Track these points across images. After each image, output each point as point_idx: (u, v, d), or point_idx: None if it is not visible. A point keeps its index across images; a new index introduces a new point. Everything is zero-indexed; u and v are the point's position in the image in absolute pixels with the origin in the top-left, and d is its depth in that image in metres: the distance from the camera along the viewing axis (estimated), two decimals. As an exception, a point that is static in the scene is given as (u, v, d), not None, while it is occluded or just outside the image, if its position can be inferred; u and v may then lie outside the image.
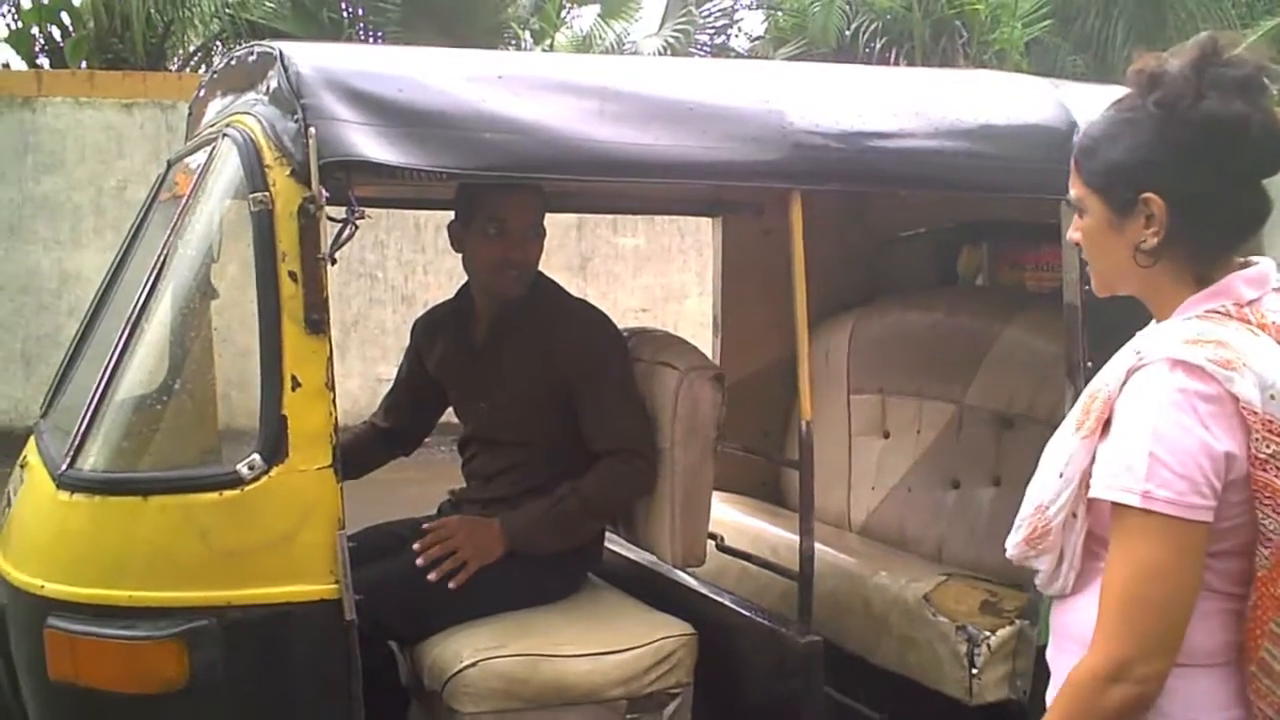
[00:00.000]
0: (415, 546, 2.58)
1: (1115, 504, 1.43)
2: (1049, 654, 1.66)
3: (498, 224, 2.67)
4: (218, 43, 12.17)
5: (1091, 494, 1.46)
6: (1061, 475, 1.53)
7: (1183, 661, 1.45)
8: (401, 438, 3.13)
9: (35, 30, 11.61)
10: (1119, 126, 1.53)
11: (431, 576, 2.53)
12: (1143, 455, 1.41)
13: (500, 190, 2.62)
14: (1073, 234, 1.62)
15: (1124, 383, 1.47)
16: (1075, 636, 1.56)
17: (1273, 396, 1.41)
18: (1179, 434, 1.40)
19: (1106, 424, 1.48)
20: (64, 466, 2.17)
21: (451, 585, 2.53)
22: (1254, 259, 1.55)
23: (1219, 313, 1.48)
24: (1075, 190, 1.59)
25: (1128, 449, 1.43)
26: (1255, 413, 1.40)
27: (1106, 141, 1.54)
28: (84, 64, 10.86)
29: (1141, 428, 1.42)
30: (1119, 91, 1.59)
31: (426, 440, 3.22)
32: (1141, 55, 1.56)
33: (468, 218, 2.72)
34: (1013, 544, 1.62)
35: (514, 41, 12.17)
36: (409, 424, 3.11)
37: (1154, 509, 1.39)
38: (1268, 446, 1.41)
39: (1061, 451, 1.54)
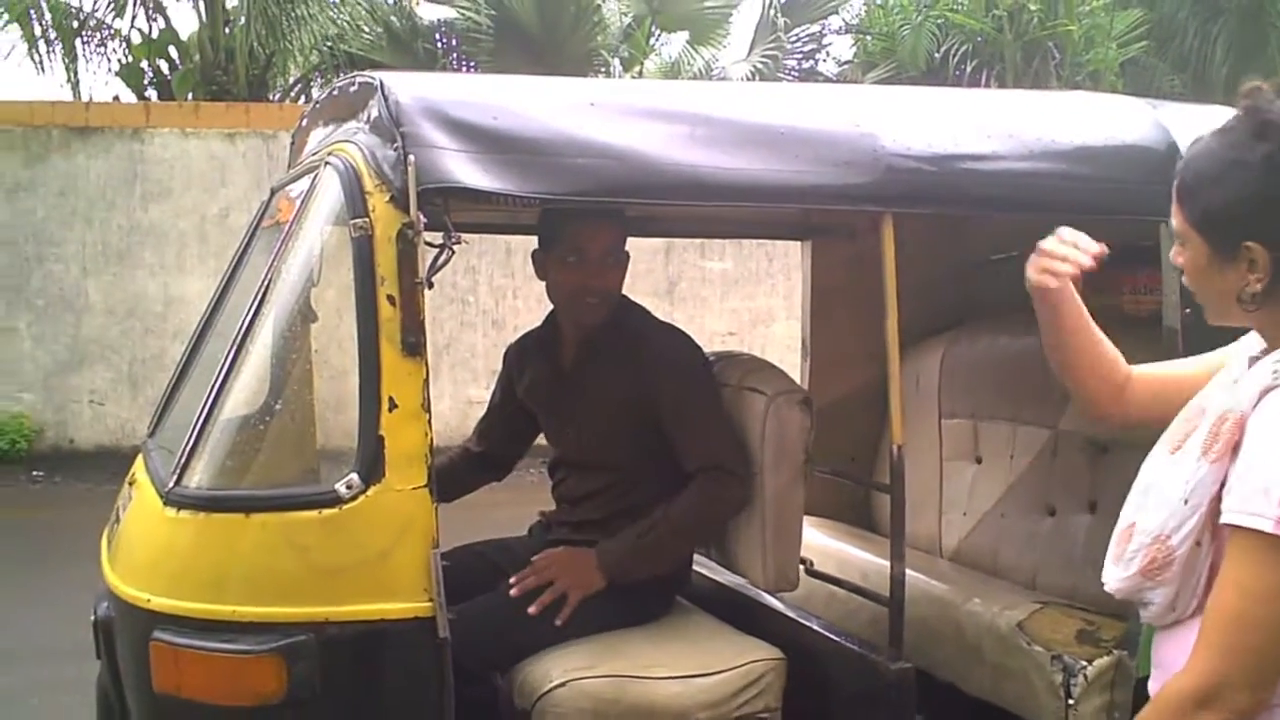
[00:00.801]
0: (512, 580, 2.61)
1: (1240, 527, 1.39)
2: (1150, 686, 1.61)
3: (577, 252, 2.70)
4: (316, 74, 12.52)
5: (1223, 519, 1.41)
6: (1187, 502, 1.47)
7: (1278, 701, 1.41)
8: (494, 462, 3.17)
9: (144, 64, 12.04)
10: (1224, 168, 1.49)
11: (532, 610, 2.55)
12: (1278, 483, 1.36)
13: (578, 219, 2.65)
14: (1175, 257, 1.58)
15: (1257, 403, 1.43)
16: (1176, 669, 1.52)
17: None
18: None
19: (1235, 448, 1.43)
20: (170, 484, 2.24)
21: (558, 622, 2.55)
22: None
23: None
24: (1177, 223, 1.55)
25: (1264, 473, 1.38)
26: None
27: (1210, 183, 1.50)
28: (190, 96, 11.24)
29: (1264, 454, 1.38)
30: (1219, 112, 1.55)
31: (518, 463, 3.26)
32: (1253, 84, 1.51)
33: (548, 246, 2.77)
34: (1120, 577, 1.56)
35: (603, 69, 12.30)
36: (502, 449, 3.16)
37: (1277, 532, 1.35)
38: None
39: (1182, 476, 1.49)
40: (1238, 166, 1.47)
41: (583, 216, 2.64)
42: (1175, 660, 1.52)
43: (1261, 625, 1.36)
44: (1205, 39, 12.27)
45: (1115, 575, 1.58)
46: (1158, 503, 1.52)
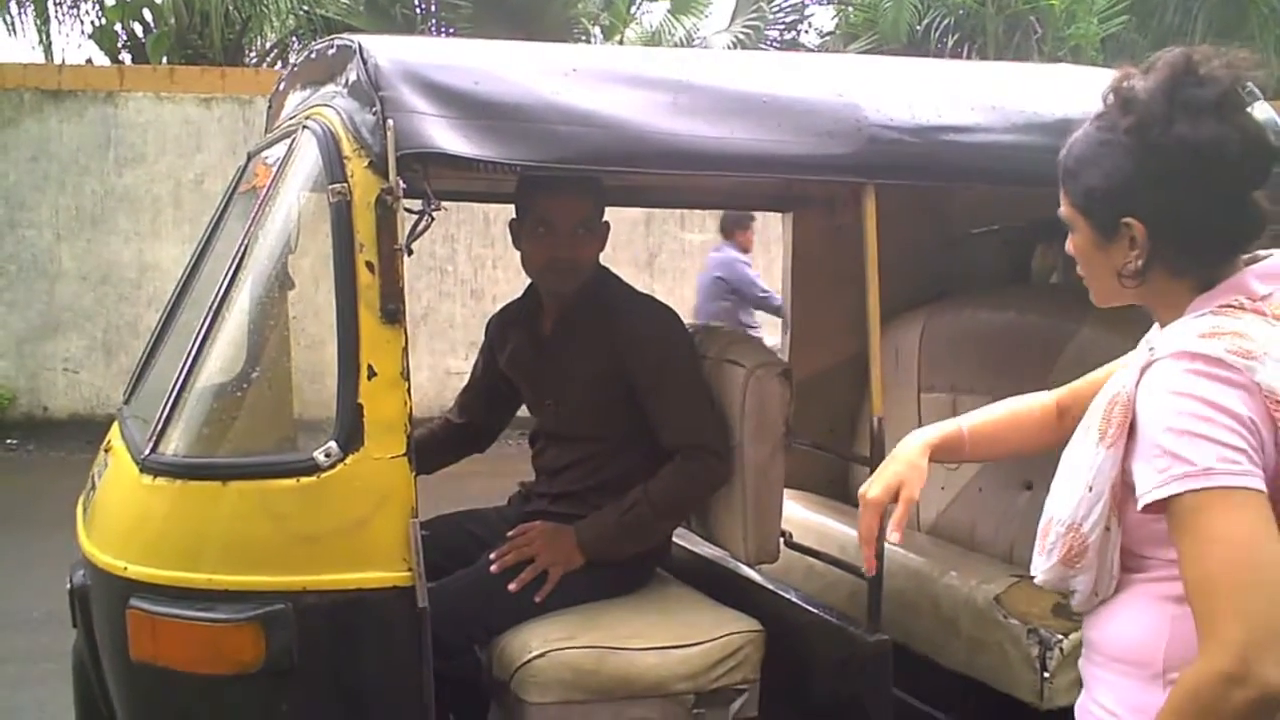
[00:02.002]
0: (492, 556, 2.61)
1: (1173, 499, 1.36)
2: (1080, 664, 1.63)
3: (546, 224, 2.69)
4: (293, 38, 12.39)
5: (1146, 500, 1.39)
6: (1091, 488, 1.48)
7: None
8: (476, 434, 3.15)
9: (118, 27, 11.89)
10: (1096, 149, 1.51)
11: (512, 587, 2.55)
12: (1185, 442, 1.35)
13: (548, 190, 2.63)
14: (1068, 246, 1.60)
15: (1139, 381, 1.43)
16: (1109, 650, 1.54)
17: None
18: (1212, 411, 1.35)
19: (1131, 430, 1.43)
20: (146, 451, 2.22)
21: (537, 599, 2.55)
22: (1263, 253, 1.51)
23: (1232, 306, 1.45)
24: (1064, 208, 1.57)
25: (1168, 442, 1.37)
26: (1277, 398, 1.36)
27: (1085, 165, 1.52)
28: (164, 60, 11.12)
29: (1173, 417, 1.37)
30: None
31: (500, 434, 3.25)
32: (1125, 66, 1.53)
33: (522, 217, 2.75)
34: (1045, 568, 1.58)
35: (584, 37, 12.23)
36: (483, 420, 3.14)
37: (1216, 485, 1.33)
38: None
39: (1086, 463, 1.50)
40: (1108, 145, 1.48)
41: (554, 187, 2.61)
42: (1108, 640, 1.54)
43: (1248, 581, 1.31)
44: (1186, 15, 12.28)
45: (1040, 566, 1.59)
46: (1069, 491, 1.53)
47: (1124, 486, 1.46)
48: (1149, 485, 1.39)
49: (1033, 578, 2.75)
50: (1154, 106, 1.45)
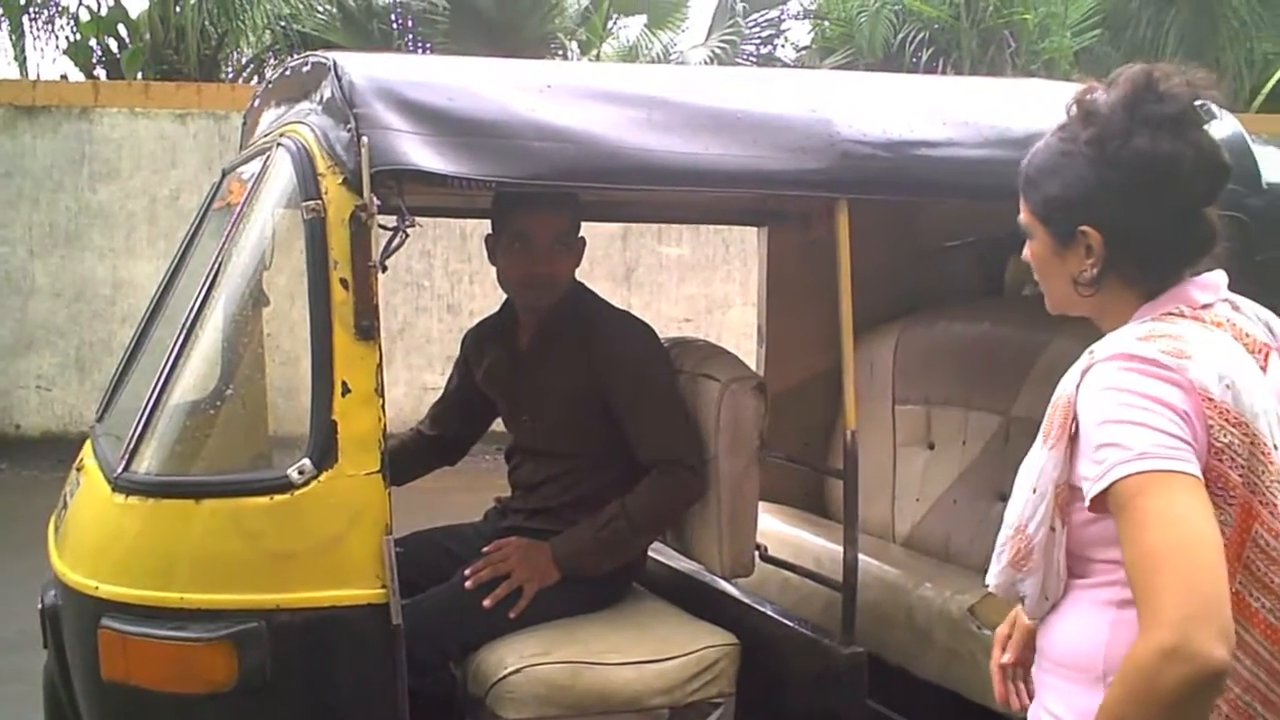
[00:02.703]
0: (467, 572, 2.60)
1: (1113, 486, 1.38)
2: (1034, 673, 1.65)
3: (521, 239, 2.69)
4: (269, 54, 12.36)
5: (1090, 494, 1.42)
6: (1035, 490, 1.52)
7: None
8: (448, 446, 3.15)
9: (93, 42, 11.84)
10: (1057, 159, 1.55)
11: (487, 602, 2.54)
12: (1122, 431, 1.39)
13: (524, 205, 2.64)
14: (1026, 253, 1.64)
15: (1079, 384, 1.47)
16: (1055, 655, 1.56)
17: (1229, 386, 1.41)
18: (1147, 402, 1.39)
19: (1075, 434, 1.47)
20: (119, 470, 2.21)
21: (512, 615, 2.54)
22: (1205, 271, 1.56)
23: (1172, 314, 1.50)
24: (1023, 217, 1.61)
25: (1106, 434, 1.41)
26: (1212, 400, 1.40)
27: (1046, 174, 1.56)
28: (140, 75, 11.06)
29: (1110, 411, 1.41)
30: None
31: (470, 449, 3.25)
32: (1088, 80, 1.57)
33: (497, 232, 2.75)
34: (995, 571, 1.60)
35: (560, 52, 12.24)
36: (456, 433, 3.14)
37: (1152, 468, 1.36)
38: (1224, 436, 1.41)
39: (1033, 466, 1.53)
40: (1069, 156, 1.53)
41: (529, 203, 2.62)
42: (1053, 645, 1.56)
43: (1183, 557, 1.32)
44: (1158, 29, 12.39)
45: (992, 571, 1.62)
46: (1016, 495, 1.57)
47: (1069, 489, 1.49)
48: (1092, 478, 1.42)
49: (1003, 588, 2.79)
50: (1114, 120, 1.50)
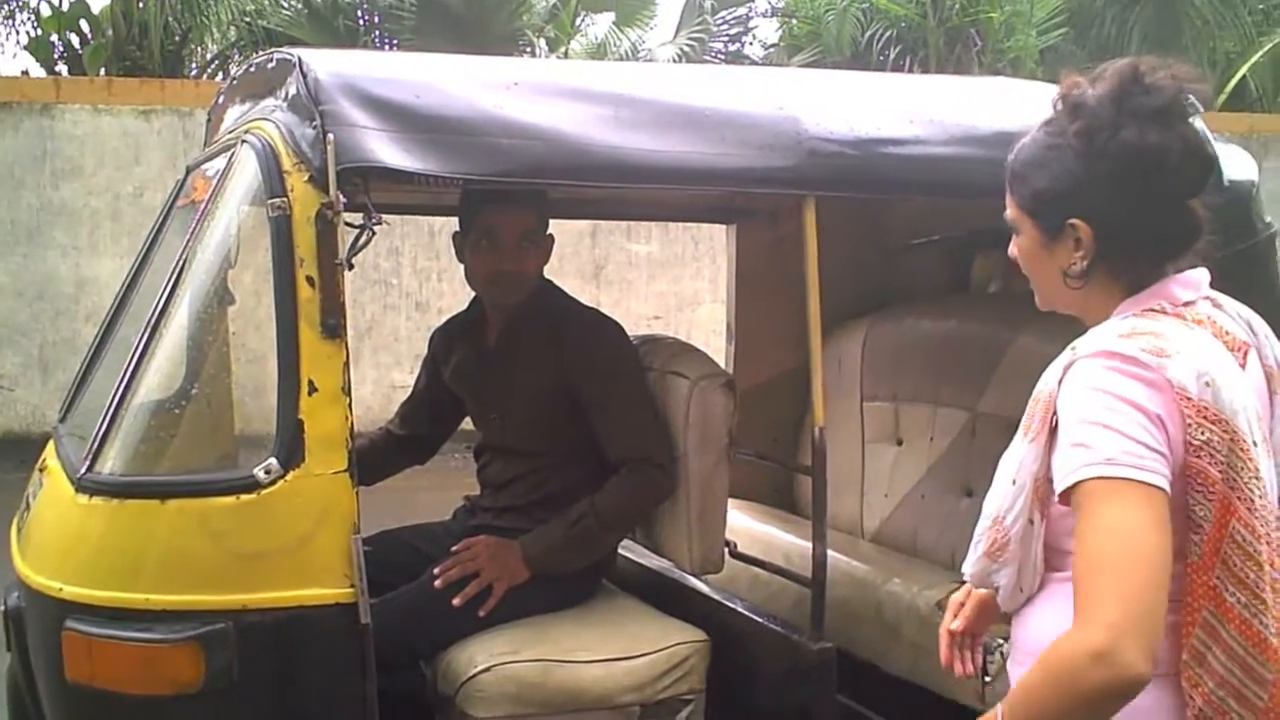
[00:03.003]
0: (436, 572, 2.59)
1: (1077, 486, 1.41)
2: (1009, 666, 1.66)
3: (489, 236, 2.69)
4: (234, 50, 12.26)
5: (1059, 488, 1.45)
6: (1015, 482, 1.54)
7: None
8: (417, 446, 3.13)
9: (54, 38, 11.70)
10: (1045, 152, 1.56)
11: (456, 601, 2.53)
12: (1094, 433, 1.41)
13: (491, 202, 2.63)
14: (1012, 249, 1.65)
15: (1061, 379, 1.49)
16: (1030, 647, 1.57)
17: (1208, 384, 1.43)
18: (1122, 405, 1.41)
19: (1055, 428, 1.49)
20: (83, 470, 2.19)
21: (481, 613, 2.54)
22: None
23: (1154, 310, 1.52)
24: (1010, 211, 1.62)
25: (1079, 433, 1.43)
26: (1190, 399, 1.42)
27: (1034, 167, 1.57)
28: (102, 71, 10.94)
29: (1087, 410, 1.43)
30: None
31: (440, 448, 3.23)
32: (1069, 75, 1.59)
33: (466, 229, 2.75)
34: (971, 561, 1.63)
35: (529, 49, 12.21)
36: (425, 432, 3.12)
37: (1116, 475, 1.38)
38: (1202, 433, 1.42)
39: (1013, 459, 1.56)
40: (1057, 149, 1.54)
41: (496, 200, 2.61)
42: (1029, 637, 1.58)
43: (1125, 566, 1.35)
44: (1122, 28, 12.49)
45: (968, 560, 1.64)
46: (995, 486, 1.59)
47: (1047, 482, 1.51)
48: (1062, 474, 1.45)
49: (974, 583, 2.81)
50: (1102, 112, 1.51)
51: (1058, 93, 1.57)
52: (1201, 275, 1.57)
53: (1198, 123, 1.54)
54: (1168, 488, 1.40)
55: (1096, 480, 1.39)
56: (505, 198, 2.59)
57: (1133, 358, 1.43)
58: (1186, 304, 1.53)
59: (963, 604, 1.81)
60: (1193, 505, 1.44)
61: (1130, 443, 1.39)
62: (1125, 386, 1.42)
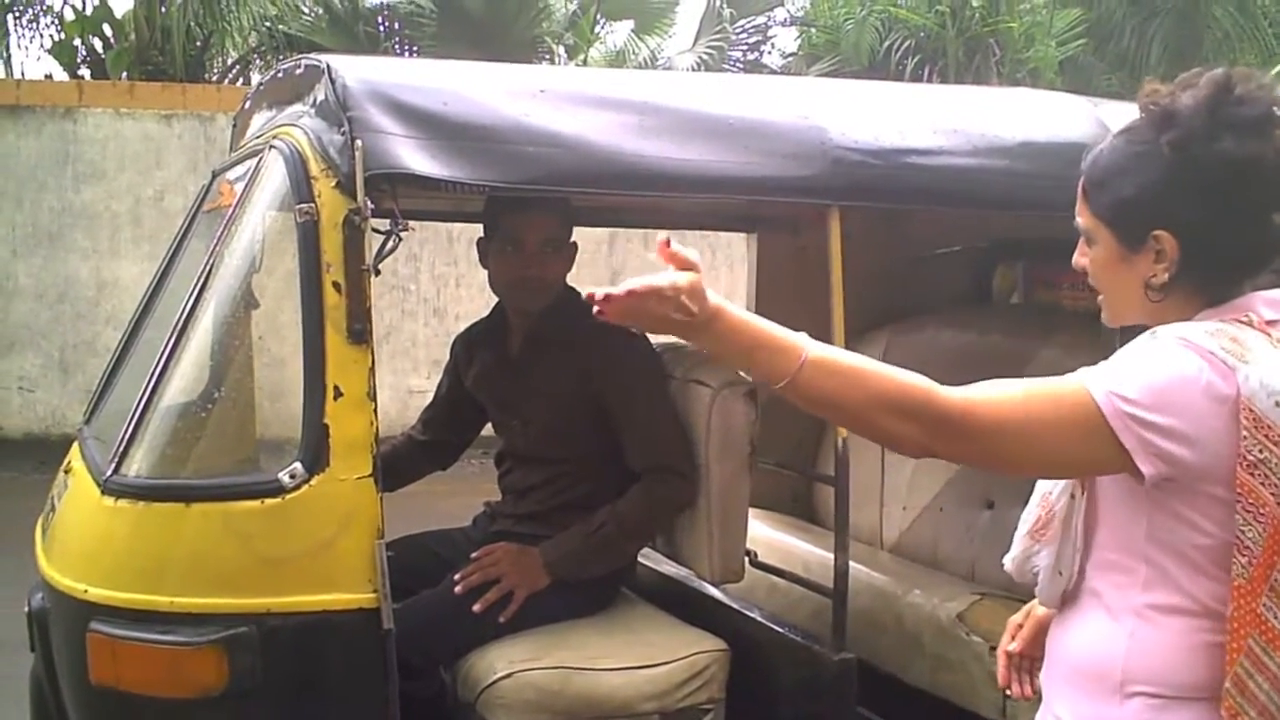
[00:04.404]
0: (456, 577, 2.60)
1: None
2: (1041, 677, 1.65)
3: (514, 242, 2.69)
4: (255, 56, 12.32)
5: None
6: None
7: (1162, 693, 1.45)
8: (439, 451, 3.14)
9: (77, 42, 11.78)
10: (1131, 160, 1.52)
11: (476, 608, 2.53)
12: (1123, 363, 1.42)
13: (516, 208, 2.64)
14: (1079, 260, 1.61)
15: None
16: (1069, 661, 1.56)
17: (1278, 404, 1.39)
18: (1172, 373, 1.40)
19: None
20: (109, 472, 2.20)
21: (501, 619, 2.54)
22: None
23: (1241, 321, 1.48)
24: (1083, 219, 1.58)
25: (1115, 359, 1.44)
26: (1253, 410, 1.39)
27: (1117, 174, 1.53)
28: (124, 75, 11.00)
29: (1135, 349, 1.44)
30: None
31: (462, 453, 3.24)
32: (1151, 83, 1.56)
33: (489, 235, 2.75)
34: (1014, 543, 1.63)
35: (548, 56, 12.24)
36: (447, 438, 3.13)
37: (1101, 405, 1.39)
38: (1260, 451, 1.39)
39: None
40: (1145, 157, 1.51)
41: (521, 206, 2.62)
42: (1067, 651, 1.57)
43: (1022, 420, 1.41)
44: (1142, 39, 12.48)
45: (1011, 550, 1.64)
46: None
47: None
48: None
49: (996, 595, 2.80)
50: (1196, 122, 1.48)
51: (1140, 101, 1.54)
52: None
53: None
54: (1147, 468, 1.39)
55: (1085, 388, 1.41)
56: (530, 204, 2.60)
57: (1210, 350, 1.40)
58: (1270, 323, 1.48)
59: (1020, 625, 1.80)
60: (1241, 525, 1.40)
61: (1149, 391, 1.39)
62: (1186, 360, 1.40)
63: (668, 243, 1.45)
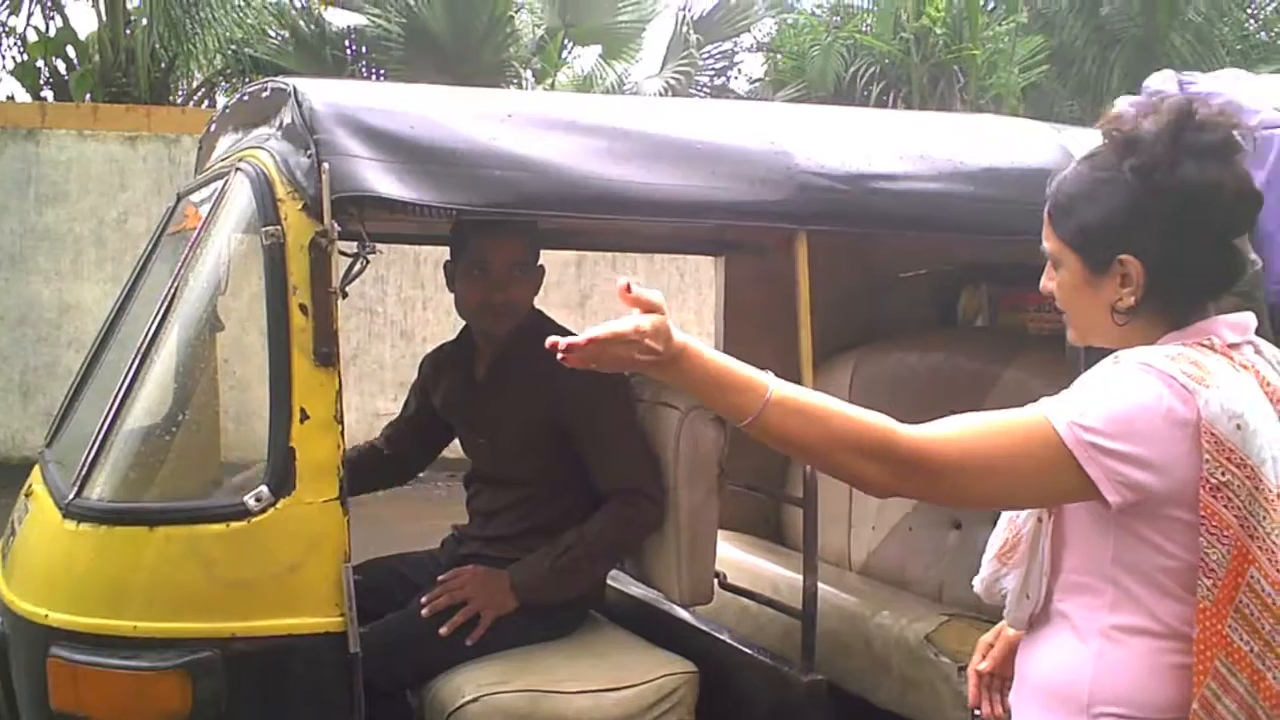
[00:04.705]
0: (423, 600, 2.58)
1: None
2: (1010, 697, 1.66)
3: (480, 266, 2.69)
4: (221, 78, 12.27)
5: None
6: None
7: (1128, 714, 1.46)
8: (398, 466, 3.13)
9: (40, 63, 11.70)
10: (1095, 187, 1.54)
11: (443, 631, 2.52)
12: (1083, 393, 1.44)
13: (483, 232, 2.64)
14: (1046, 284, 1.63)
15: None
16: (1035, 682, 1.58)
17: (1238, 426, 1.41)
18: (1133, 402, 1.41)
19: None
20: (70, 496, 2.18)
21: (469, 642, 2.52)
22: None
23: (1203, 344, 1.49)
24: (1049, 244, 1.60)
25: (1075, 386, 1.46)
26: (1214, 434, 1.40)
27: (1082, 201, 1.54)
28: (88, 97, 10.93)
29: (1095, 375, 1.46)
30: None
31: (422, 476, 3.22)
32: (1113, 111, 1.57)
33: (456, 258, 2.76)
34: (983, 565, 1.64)
35: (515, 80, 12.26)
36: (409, 454, 3.12)
37: (1061, 434, 1.41)
38: (1222, 474, 1.40)
39: None
40: (1108, 183, 1.52)
41: (489, 230, 2.62)
42: (1034, 672, 1.58)
43: (993, 458, 1.43)
44: (1103, 66, 12.65)
45: (979, 575, 1.66)
46: None
47: None
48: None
49: (964, 616, 2.81)
50: (1159, 148, 1.49)
51: (1102, 127, 1.56)
52: (1249, 319, 1.55)
53: (1243, 160, 1.54)
54: (1111, 495, 1.41)
55: (1047, 419, 1.42)
56: (498, 227, 2.60)
57: (1170, 375, 1.42)
58: (1232, 346, 1.50)
59: (991, 644, 1.81)
60: (1205, 547, 1.41)
61: (1108, 419, 1.40)
62: (1147, 385, 1.42)
63: (628, 288, 1.47)
